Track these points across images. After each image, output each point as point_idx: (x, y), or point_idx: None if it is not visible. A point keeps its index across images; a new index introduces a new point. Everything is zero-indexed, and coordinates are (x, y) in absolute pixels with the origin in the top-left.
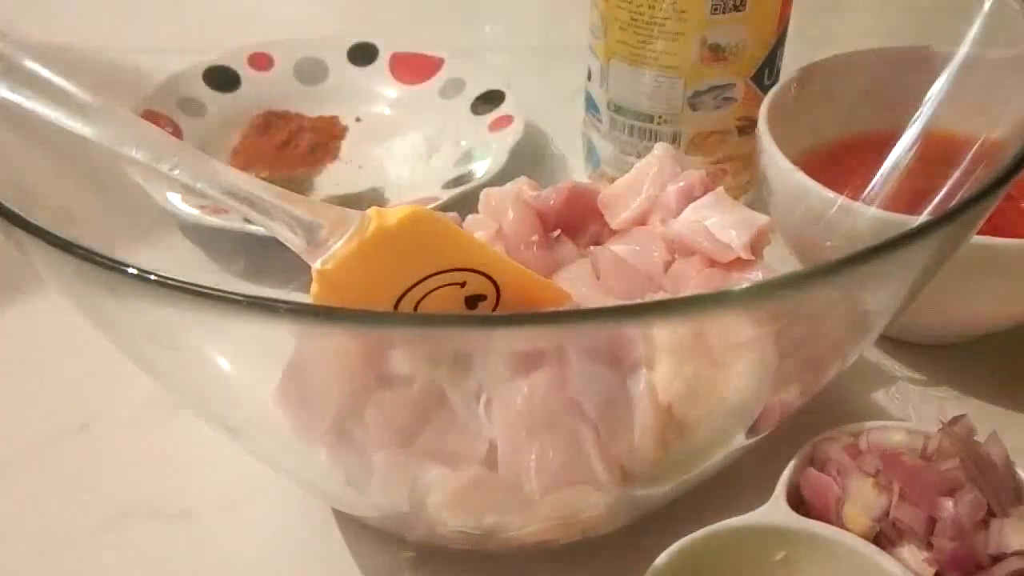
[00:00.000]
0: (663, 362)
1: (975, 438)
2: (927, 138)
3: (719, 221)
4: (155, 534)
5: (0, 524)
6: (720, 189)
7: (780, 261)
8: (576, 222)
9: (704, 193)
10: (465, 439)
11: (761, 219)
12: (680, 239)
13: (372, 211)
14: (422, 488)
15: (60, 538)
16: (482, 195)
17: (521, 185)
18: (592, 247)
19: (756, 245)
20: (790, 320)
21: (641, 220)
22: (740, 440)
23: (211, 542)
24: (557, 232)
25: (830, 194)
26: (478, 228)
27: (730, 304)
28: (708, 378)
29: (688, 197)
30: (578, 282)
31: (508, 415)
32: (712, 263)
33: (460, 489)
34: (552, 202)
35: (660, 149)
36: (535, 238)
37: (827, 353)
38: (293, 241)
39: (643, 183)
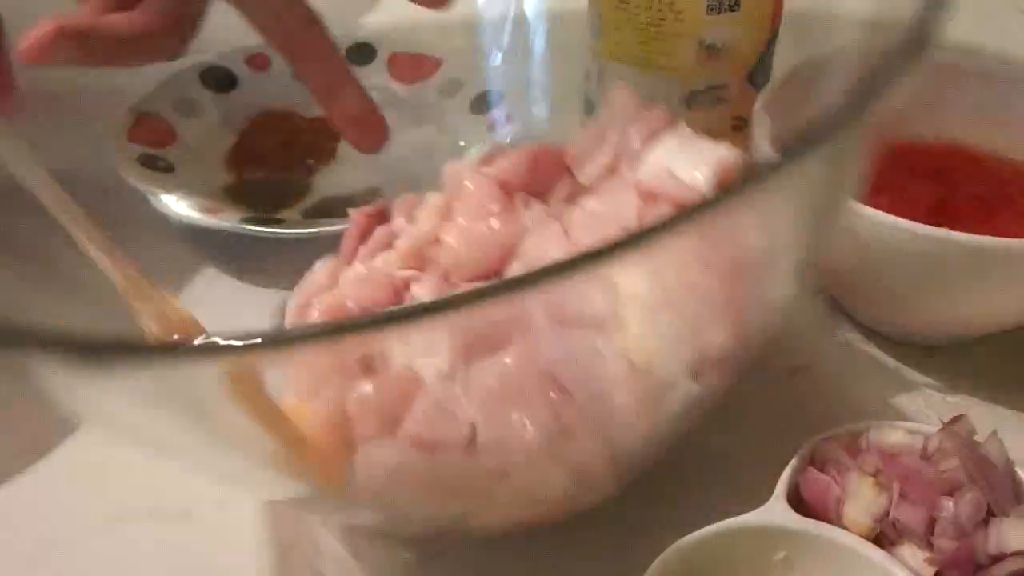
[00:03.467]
0: (632, 321)
1: (975, 438)
2: (924, 140)
3: (684, 161)
4: (155, 534)
5: (0, 524)
6: (683, 125)
7: None
8: (544, 185)
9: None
10: (446, 423)
11: (727, 154)
12: (647, 186)
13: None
14: (405, 477)
15: (60, 538)
16: (444, 170)
17: (488, 153)
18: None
19: (724, 182)
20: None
21: (610, 171)
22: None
23: (211, 542)
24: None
25: None
26: (432, 204)
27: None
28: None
29: (651, 137)
30: (547, 244)
31: (483, 395)
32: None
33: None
34: (512, 170)
35: (618, 93)
36: (495, 208)
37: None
38: None
39: (606, 131)
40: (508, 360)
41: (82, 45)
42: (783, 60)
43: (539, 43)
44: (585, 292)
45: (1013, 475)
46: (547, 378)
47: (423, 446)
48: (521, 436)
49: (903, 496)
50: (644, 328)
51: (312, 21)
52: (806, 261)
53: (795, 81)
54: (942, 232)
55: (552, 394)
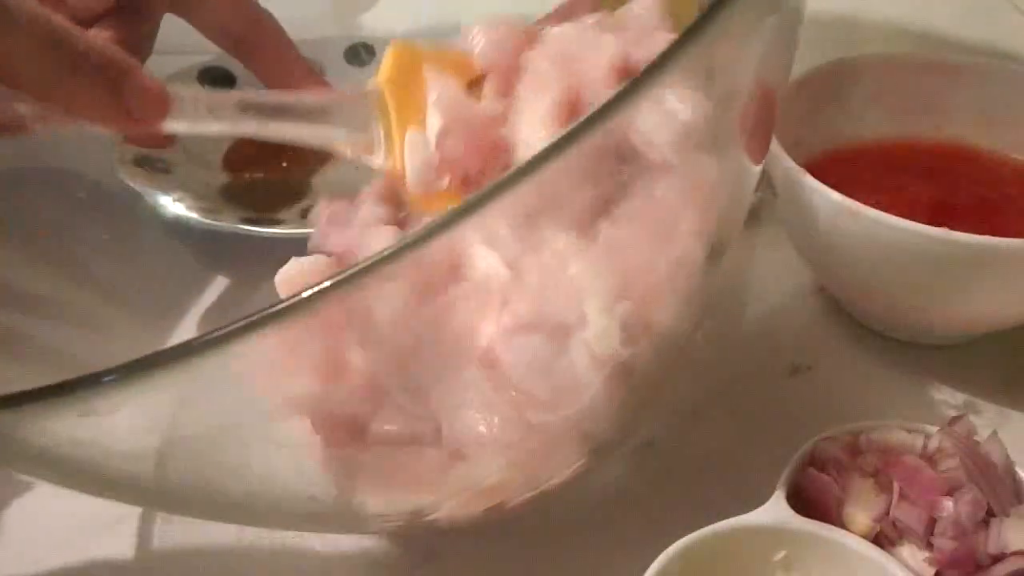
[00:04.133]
0: (592, 315)
1: (975, 438)
2: (924, 139)
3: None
4: (155, 534)
5: (0, 524)
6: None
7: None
8: None
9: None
10: (412, 424)
11: None
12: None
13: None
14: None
15: (60, 538)
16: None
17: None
18: None
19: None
20: None
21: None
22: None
23: (206, 542)
24: None
25: (838, 197)
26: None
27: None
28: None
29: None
30: None
31: (445, 404)
32: None
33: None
34: None
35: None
36: None
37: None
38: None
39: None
40: (466, 372)
41: None
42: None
43: None
44: (548, 295)
45: (1013, 475)
46: (507, 384)
47: (392, 443)
48: (485, 437)
49: (903, 496)
50: (604, 320)
51: (260, 20)
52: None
53: (812, 85)
54: (942, 232)
55: (513, 396)
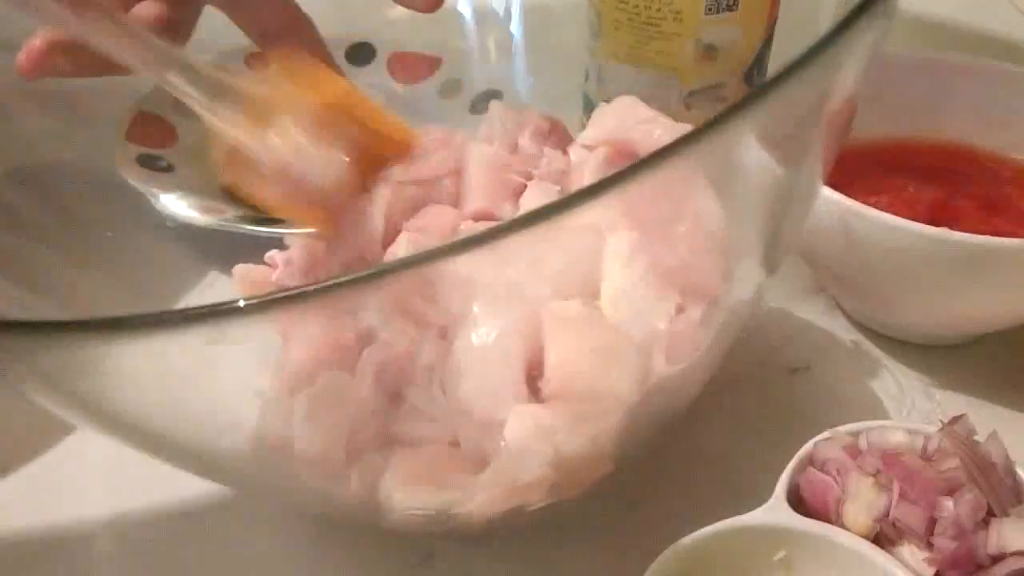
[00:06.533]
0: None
1: (975, 438)
2: (924, 139)
3: None
4: (155, 534)
5: (0, 524)
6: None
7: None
8: None
9: (549, 127)
10: (430, 427)
11: None
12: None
13: None
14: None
15: (60, 538)
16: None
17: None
18: None
19: None
20: None
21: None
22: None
23: (211, 542)
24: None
25: (839, 197)
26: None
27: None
28: None
29: (542, 137)
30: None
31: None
32: None
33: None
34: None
35: (493, 108)
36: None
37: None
38: None
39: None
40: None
41: (75, 57)
42: (779, 59)
43: (539, 43)
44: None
45: (1013, 475)
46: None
47: (408, 443)
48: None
49: (903, 496)
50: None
51: (302, 25)
52: (772, 236)
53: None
54: (942, 232)
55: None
